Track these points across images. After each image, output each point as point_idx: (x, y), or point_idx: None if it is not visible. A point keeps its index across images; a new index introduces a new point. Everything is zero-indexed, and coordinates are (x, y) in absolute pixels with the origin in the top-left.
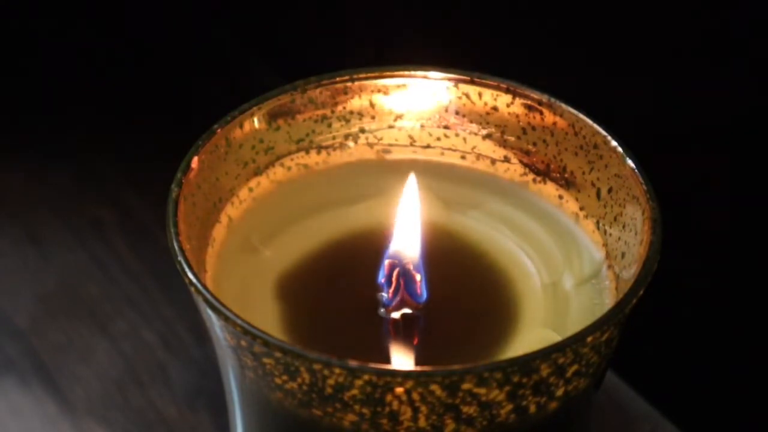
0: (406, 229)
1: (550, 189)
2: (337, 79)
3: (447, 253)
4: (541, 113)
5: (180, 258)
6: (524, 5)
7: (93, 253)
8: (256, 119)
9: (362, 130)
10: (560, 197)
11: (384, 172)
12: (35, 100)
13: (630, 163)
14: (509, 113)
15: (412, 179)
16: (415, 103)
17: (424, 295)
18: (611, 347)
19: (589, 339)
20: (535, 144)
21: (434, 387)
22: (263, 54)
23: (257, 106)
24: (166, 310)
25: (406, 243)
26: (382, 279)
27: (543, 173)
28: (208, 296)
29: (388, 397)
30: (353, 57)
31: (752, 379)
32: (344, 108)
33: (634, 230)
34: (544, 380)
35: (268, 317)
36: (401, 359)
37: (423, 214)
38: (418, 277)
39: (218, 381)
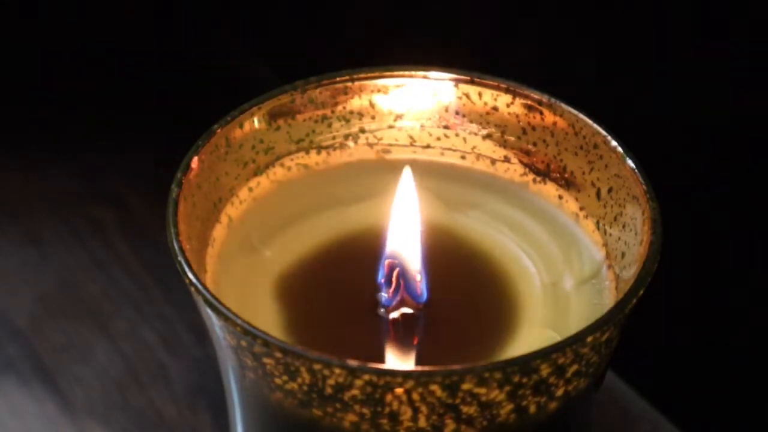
0: (406, 229)
1: (550, 189)
2: (337, 79)
3: (447, 253)
4: (541, 113)
5: (180, 258)
6: (524, 5)
7: (93, 253)
8: (256, 119)
9: (362, 130)
10: (560, 197)
11: (384, 172)
12: (35, 100)
13: (630, 163)
14: (509, 113)
15: (407, 175)
16: (415, 103)
17: (424, 295)
18: (611, 347)
19: (589, 339)
20: (535, 144)
21: (434, 387)
22: (263, 54)
23: (257, 106)
24: (166, 310)
25: (406, 243)
26: (381, 279)
27: (543, 173)
28: (208, 296)
29: (388, 397)
30: (352, 57)
31: (752, 380)
32: (344, 108)
33: (634, 230)
34: (544, 380)
35: (268, 317)
36: (401, 359)
37: (423, 214)
38: (418, 277)
39: (218, 381)
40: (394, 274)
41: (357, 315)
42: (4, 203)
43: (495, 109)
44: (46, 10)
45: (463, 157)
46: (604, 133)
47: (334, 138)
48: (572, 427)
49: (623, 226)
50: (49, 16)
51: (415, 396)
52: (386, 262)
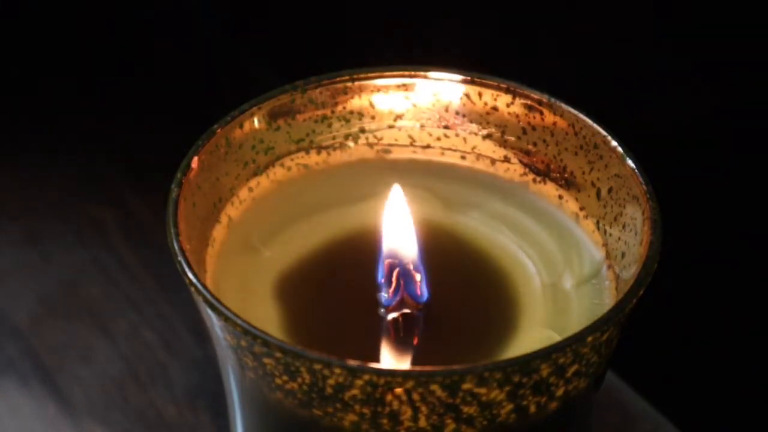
0: (404, 230)
1: (550, 189)
2: (337, 79)
3: (447, 253)
4: (541, 113)
5: (180, 258)
6: (524, 5)
7: (93, 253)
8: (256, 119)
9: (362, 130)
10: (560, 197)
11: (384, 172)
12: (35, 100)
13: (630, 163)
14: (509, 113)
15: (397, 189)
16: (415, 103)
17: (424, 295)
18: (611, 347)
19: (589, 339)
20: (535, 144)
21: (434, 387)
22: (263, 54)
23: (257, 106)
24: (166, 310)
25: (405, 243)
26: (381, 279)
27: (543, 173)
28: (208, 296)
29: (389, 397)
30: (353, 57)
31: (752, 379)
32: (344, 108)
33: (634, 230)
34: (544, 380)
35: (268, 317)
36: (401, 359)
37: (423, 214)
38: (418, 277)
39: (218, 381)
40: (394, 274)
41: (357, 315)
42: (4, 203)
43: (495, 109)
44: (46, 10)
45: (463, 157)
46: (604, 133)
47: (334, 138)
48: (572, 427)
49: (623, 226)
50: (49, 16)
51: (416, 396)
52: (386, 262)
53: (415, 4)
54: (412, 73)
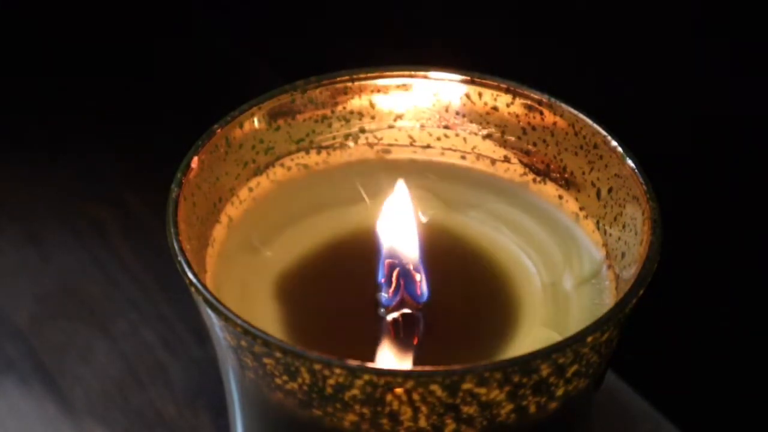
0: (404, 229)
1: (550, 189)
2: (337, 79)
3: (447, 253)
4: (541, 113)
5: (180, 258)
6: (524, 5)
7: (93, 253)
8: (256, 119)
9: (362, 130)
10: (560, 197)
11: (384, 172)
12: (35, 99)
13: (630, 163)
14: (509, 113)
15: (401, 185)
16: (415, 103)
17: (424, 295)
18: (611, 347)
19: (589, 339)
20: (535, 144)
21: (434, 387)
22: (263, 54)
23: (257, 106)
24: (166, 310)
25: (405, 243)
26: (381, 279)
27: (543, 173)
28: (208, 296)
29: (389, 397)
30: (353, 57)
31: (752, 379)
32: (344, 108)
33: (634, 230)
34: (544, 380)
35: (268, 317)
36: (401, 359)
37: (423, 214)
38: (418, 277)
39: (218, 381)
40: (394, 274)
41: (357, 315)
42: (4, 203)
43: (495, 109)
44: (46, 9)
45: (463, 157)
46: (604, 133)
47: (334, 138)
48: (572, 427)
49: (623, 226)
50: (50, 16)
51: (416, 396)
52: (386, 262)
53: (415, 4)
54: (412, 73)
